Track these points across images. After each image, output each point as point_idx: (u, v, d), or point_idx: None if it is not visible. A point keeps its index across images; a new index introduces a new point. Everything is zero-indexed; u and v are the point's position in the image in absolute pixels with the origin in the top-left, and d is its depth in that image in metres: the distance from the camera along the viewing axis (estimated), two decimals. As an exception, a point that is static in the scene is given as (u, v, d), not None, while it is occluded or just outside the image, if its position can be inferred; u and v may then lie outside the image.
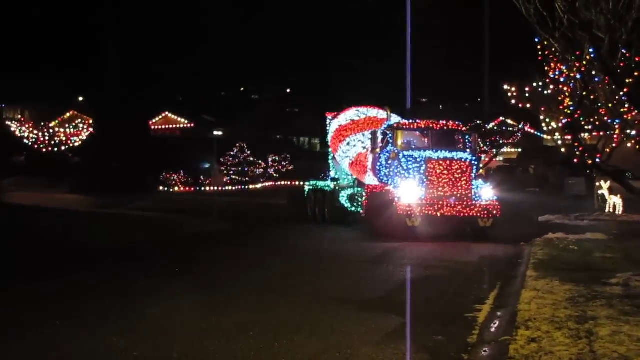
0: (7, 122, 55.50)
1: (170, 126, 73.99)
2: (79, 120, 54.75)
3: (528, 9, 23.38)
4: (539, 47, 28.95)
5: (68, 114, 56.51)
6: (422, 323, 8.63)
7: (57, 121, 54.83)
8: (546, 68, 31.65)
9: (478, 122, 49.20)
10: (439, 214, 18.67)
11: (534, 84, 35.63)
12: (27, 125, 52.95)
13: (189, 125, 73.69)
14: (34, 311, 9.53)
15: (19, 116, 58.52)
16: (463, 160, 19.34)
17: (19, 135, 52.11)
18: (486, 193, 19.30)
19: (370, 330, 8.27)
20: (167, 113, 73.75)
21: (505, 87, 38.24)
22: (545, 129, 39.46)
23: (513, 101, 38.01)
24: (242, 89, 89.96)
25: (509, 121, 51.57)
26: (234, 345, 7.66)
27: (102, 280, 12.24)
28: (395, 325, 8.56)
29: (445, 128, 20.84)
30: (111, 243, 18.36)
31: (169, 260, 15.16)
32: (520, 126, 50.04)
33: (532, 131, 50.46)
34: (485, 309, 9.63)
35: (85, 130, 53.74)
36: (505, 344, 7.28)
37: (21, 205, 30.03)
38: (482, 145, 49.15)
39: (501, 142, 50.61)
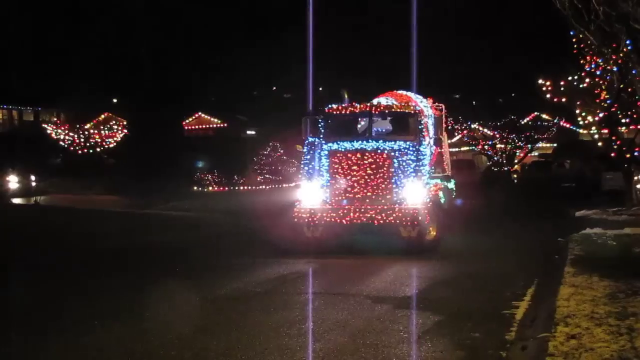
0: (43, 125, 56.22)
1: (204, 126, 74.39)
2: (114, 122, 55.22)
3: (563, 1, 23.07)
4: (574, 40, 28.53)
5: (103, 116, 57.08)
6: (459, 320, 8.57)
7: (92, 123, 55.37)
8: (581, 61, 31.19)
9: (512, 117, 48.72)
10: (344, 222, 15.00)
11: (569, 78, 35.15)
12: (62, 128, 53.55)
13: (222, 125, 74.03)
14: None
15: (55, 118, 59.25)
16: (378, 151, 15.34)
17: (55, 137, 52.72)
18: (413, 194, 15.10)
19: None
20: (200, 113, 74.17)
21: (540, 81, 37.78)
22: (581, 123, 38.90)
23: (548, 95, 37.55)
24: (274, 88, 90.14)
25: (544, 116, 51.02)
26: (272, 341, 7.64)
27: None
28: (432, 323, 8.50)
29: (387, 111, 16.63)
30: (149, 241, 18.48)
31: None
32: (555, 121, 49.50)
33: (568, 125, 49.91)
34: (523, 305, 9.54)
35: (119, 132, 54.22)
36: (544, 340, 7.16)
37: (57, 207, 30.36)
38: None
39: (536, 137, 50.04)
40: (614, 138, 28.32)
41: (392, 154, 15.32)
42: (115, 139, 53.95)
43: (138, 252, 16.39)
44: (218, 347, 7.55)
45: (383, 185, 15.20)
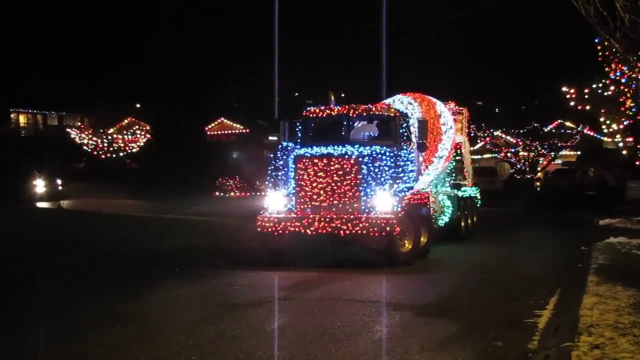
0: (67, 129, 56.71)
1: (226, 132, 74.65)
2: (137, 127, 55.54)
3: (588, 9, 22.96)
4: (598, 47, 28.38)
5: (126, 121, 57.45)
6: (480, 328, 8.53)
7: (115, 128, 55.76)
8: (606, 69, 30.99)
9: (535, 124, 48.51)
10: (309, 232, 14.01)
11: (594, 85, 34.92)
12: (86, 132, 54.00)
13: (244, 131, 74.24)
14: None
15: (79, 123, 59.73)
16: (346, 157, 14.26)
17: (79, 141, 53.15)
18: (383, 202, 13.99)
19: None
20: (222, 119, 74.45)
21: (564, 88, 37.58)
22: (605, 131, 38.67)
23: (572, 103, 37.33)
24: (297, 94, 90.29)
25: (568, 123, 50.70)
26: (293, 348, 7.65)
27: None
28: (453, 331, 8.46)
29: (365, 114, 15.79)
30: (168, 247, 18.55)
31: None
32: (579, 128, 49.17)
33: (592, 133, 49.54)
34: (546, 314, 9.46)
35: (142, 137, 54.55)
36: (567, 350, 7.10)
37: (81, 211, 30.57)
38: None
39: (559, 144, 49.75)
40: (638, 147, 28.08)
41: (361, 159, 14.20)
42: (138, 143, 54.29)
43: (148, 259, 16.42)
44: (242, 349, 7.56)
45: (350, 193, 14.13)
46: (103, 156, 53.31)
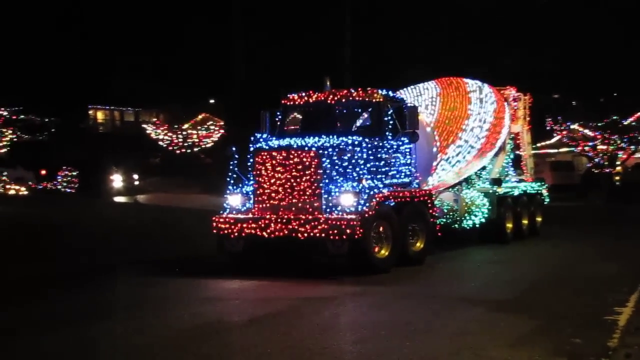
0: (143, 125, 57.88)
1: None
2: (211, 122, 56.21)
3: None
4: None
5: (200, 116, 58.20)
6: (558, 325, 8.34)
7: (189, 123, 56.58)
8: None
9: (614, 117, 47.15)
10: (265, 235, 12.37)
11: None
12: (161, 128, 54.98)
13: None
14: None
15: (154, 119, 60.87)
16: (305, 149, 12.56)
17: (154, 137, 54.17)
18: (348, 201, 12.16)
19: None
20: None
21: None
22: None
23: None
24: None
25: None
26: (368, 343, 7.63)
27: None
28: (530, 327, 8.30)
29: (344, 100, 14.02)
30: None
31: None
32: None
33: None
34: (626, 311, 9.19)
35: (216, 132, 55.20)
36: (649, 348, 6.88)
37: (157, 206, 31.18)
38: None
39: (640, 138, 48.23)
40: None
41: (322, 152, 12.43)
42: (212, 139, 54.99)
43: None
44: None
45: (310, 191, 12.36)
46: (178, 151, 54.21)
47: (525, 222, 18.36)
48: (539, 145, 46.45)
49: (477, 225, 16.32)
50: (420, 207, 13.71)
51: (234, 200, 13.12)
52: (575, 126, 49.04)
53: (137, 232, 18.64)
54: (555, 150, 49.76)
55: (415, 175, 14.14)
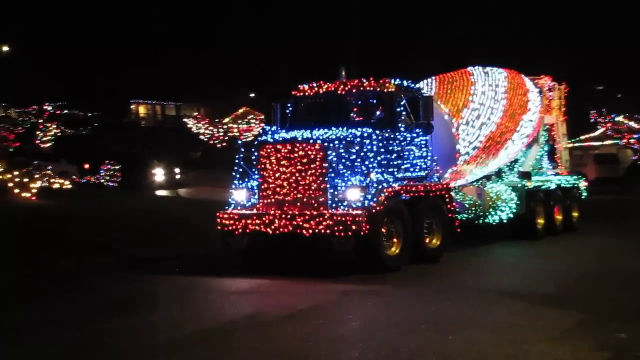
0: (184, 119, 58.42)
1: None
2: (251, 116, 56.54)
3: None
4: None
5: (241, 110, 58.60)
6: (603, 319, 8.24)
7: (230, 117, 56.96)
8: None
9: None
10: (269, 231, 11.98)
11: None
12: (203, 122, 55.44)
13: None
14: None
15: (195, 113, 61.41)
16: (310, 142, 12.05)
17: (196, 131, 54.65)
18: (354, 196, 11.66)
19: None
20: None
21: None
22: None
23: None
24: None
25: None
26: (410, 336, 7.62)
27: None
28: (574, 321, 8.21)
29: (355, 91, 13.38)
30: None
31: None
32: None
33: None
34: (673, 306, 9.03)
35: (257, 126, 55.52)
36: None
37: (199, 200, 31.36)
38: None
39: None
40: None
41: (327, 144, 11.88)
42: (252, 132, 55.31)
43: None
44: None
45: (315, 185, 11.90)
46: (219, 145, 54.59)
47: (559, 217, 17.50)
48: (582, 137, 45.85)
49: (505, 221, 15.56)
50: (436, 202, 13.16)
51: (238, 195, 12.70)
52: (620, 118, 48.30)
53: (179, 225, 18.76)
54: (600, 143, 49.01)
55: (433, 169, 13.56)
